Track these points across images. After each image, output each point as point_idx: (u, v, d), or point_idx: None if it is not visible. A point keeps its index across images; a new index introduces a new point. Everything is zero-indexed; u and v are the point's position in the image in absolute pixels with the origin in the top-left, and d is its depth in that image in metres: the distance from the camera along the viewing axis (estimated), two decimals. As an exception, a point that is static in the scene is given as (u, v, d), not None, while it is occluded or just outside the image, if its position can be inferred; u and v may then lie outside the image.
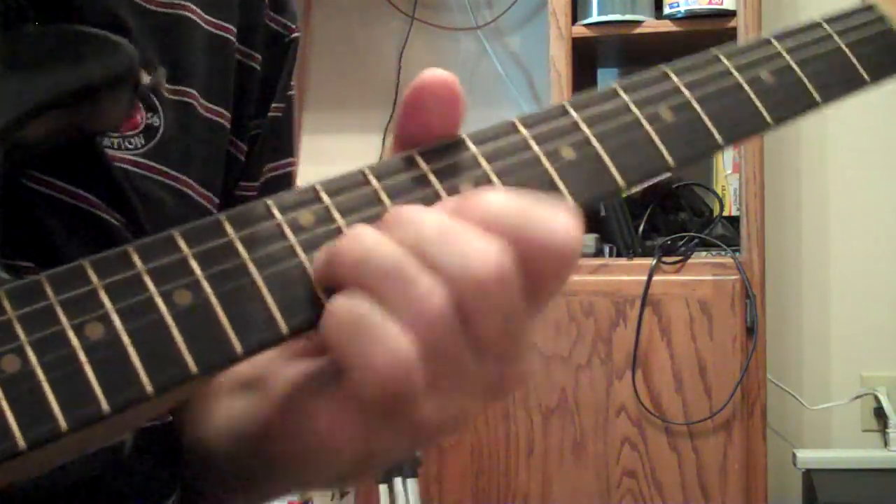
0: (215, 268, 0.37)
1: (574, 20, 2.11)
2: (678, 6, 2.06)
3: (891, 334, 2.36)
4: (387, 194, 0.40)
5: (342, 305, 0.36)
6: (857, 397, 2.36)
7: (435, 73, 0.40)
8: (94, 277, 0.36)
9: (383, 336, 0.35)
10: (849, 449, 2.33)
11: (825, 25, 0.49)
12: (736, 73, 0.46)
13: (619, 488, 2.04)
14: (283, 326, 0.37)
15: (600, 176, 0.42)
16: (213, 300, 0.36)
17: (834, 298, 2.41)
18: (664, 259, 2.02)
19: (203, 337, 0.36)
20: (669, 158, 0.44)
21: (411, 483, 1.96)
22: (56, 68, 0.45)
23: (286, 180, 0.67)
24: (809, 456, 2.24)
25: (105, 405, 0.34)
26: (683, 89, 0.45)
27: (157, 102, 0.54)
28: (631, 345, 2.01)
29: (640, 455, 2.04)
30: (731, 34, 2.04)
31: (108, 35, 0.47)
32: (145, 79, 0.48)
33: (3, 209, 0.47)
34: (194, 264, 0.37)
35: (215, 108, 0.59)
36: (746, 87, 0.46)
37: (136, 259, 0.36)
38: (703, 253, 2.05)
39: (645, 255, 2.05)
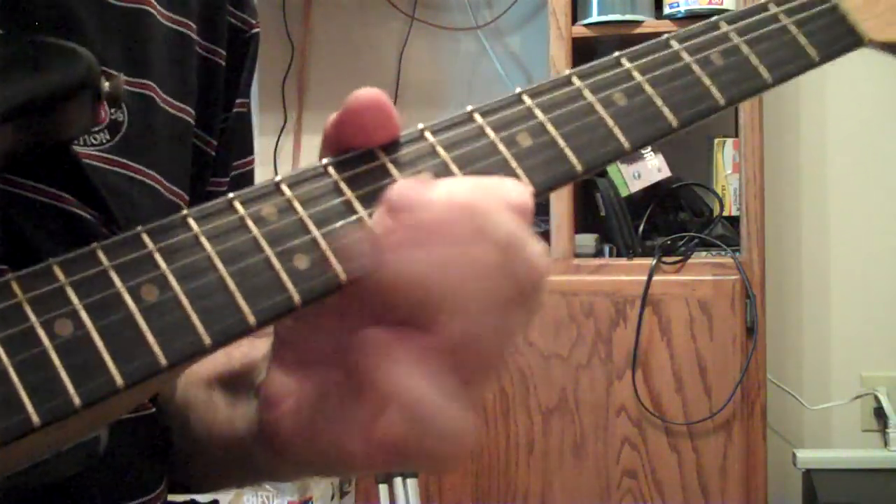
0: (179, 262, 0.38)
1: (574, 20, 2.11)
2: (678, 6, 2.06)
3: (891, 334, 2.36)
4: (347, 185, 0.41)
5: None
6: (857, 397, 2.36)
7: (365, 92, 0.41)
8: (61, 276, 0.36)
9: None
10: (849, 449, 2.33)
11: (772, 7, 0.50)
12: (686, 56, 0.47)
13: (619, 488, 2.04)
14: (251, 318, 0.37)
15: (558, 161, 0.43)
16: (181, 296, 0.37)
17: (834, 298, 2.41)
18: (664, 259, 2.02)
19: (170, 329, 0.36)
20: (624, 141, 0.44)
21: (411, 483, 1.96)
22: (14, 79, 0.45)
23: (250, 177, 0.68)
24: (809, 456, 2.24)
25: (77, 399, 0.34)
26: (636, 73, 0.46)
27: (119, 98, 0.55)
28: (631, 345, 2.02)
29: (640, 455, 2.04)
30: (731, 34, 2.04)
31: (65, 44, 0.47)
32: (105, 85, 0.48)
33: None
34: (159, 259, 0.37)
35: (176, 103, 0.59)
36: (697, 68, 0.47)
37: (101, 256, 0.37)
38: (703, 253, 2.05)
39: (645, 255, 2.05)
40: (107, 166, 0.54)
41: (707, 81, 0.47)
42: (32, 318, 0.35)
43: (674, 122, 0.45)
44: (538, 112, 0.44)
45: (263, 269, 0.38)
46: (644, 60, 0.47)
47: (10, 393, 0.34)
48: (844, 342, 2.40)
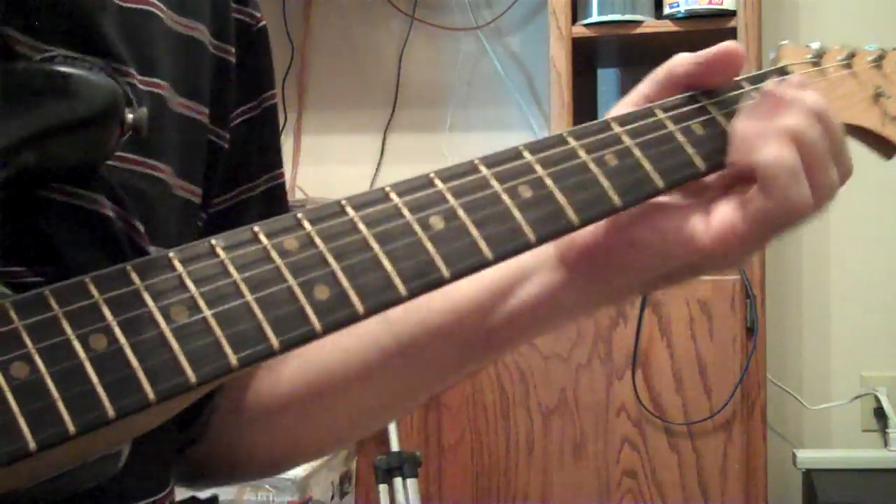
0: (208, 286, 0.39)
1: (574, 20, 2.11)
2: (678, 6, 2.06)
3: (891, 334, 2.36)
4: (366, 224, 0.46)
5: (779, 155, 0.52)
6: (857, 397, 2.36)
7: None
8: (94, 292, 0.38)
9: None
10: (849, 449, 2.33)
11: (745, 84, 0.60)
12: (671, 125, 0.55)
13: (619, 488, 2.04)
14: (276, 344, 0.39)
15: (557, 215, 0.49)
16: (211, 319, 0.39)
17: (834, 298, 2.41)
18: (664, 259, 2.02)
19: (200, 351, 0.38)
20: (617, 199, 0.50)
21: (411, 483, 1.96)
22: (41, 105, 0.47)
23: (282, 192, 0.68)
24: (809, 456, 2.24)
25: (111, 412, 0.35)
26: (626, 138, 0.52)
27: (132, 95, 0.55)
28: (631, 345, 2.02)
29: (640, 455, 2.04)
30: (731, 34, 2.04)
31: (92, 75, 0.49)
32: (129, 116, 0.50)
33: (3, 216, 0.47)
34: (189, 284, 0.39)
35: (189, 102, 0.60)
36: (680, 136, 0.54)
37: (134, 277, 0.39)
38: (703, 253, 2.05)
39: (645, 255, 2.05)
40: (118, 163, 0.54)
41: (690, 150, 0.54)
42: (69, 331, 0.36)
43: (661, 186, 0.53)
44: (538, 167, 0.50)
45: (286, 298, 0.40)
46: (631, 127, 0.54)
47: (48, 405, 0.34)
48: (844, 342, 2.40)
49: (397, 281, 0.42)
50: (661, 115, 0.53)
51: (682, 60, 0.59)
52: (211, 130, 0.62)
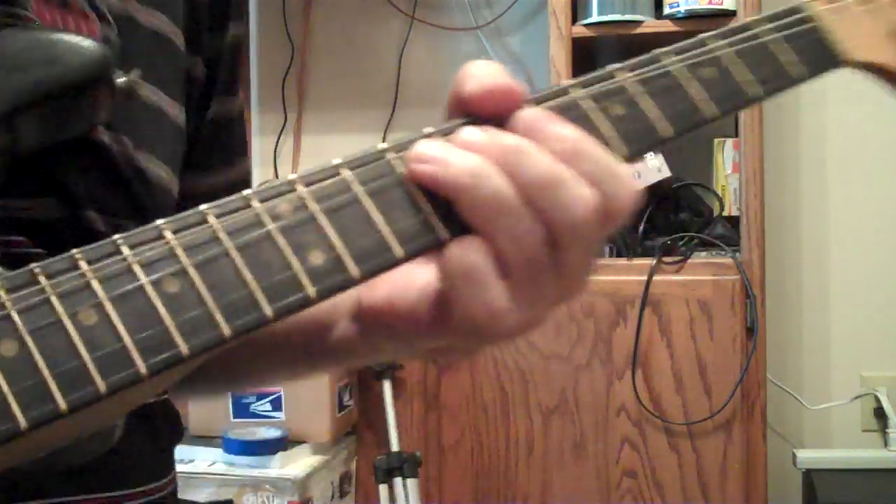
0: (199, 256, 0.39)
1: (574, 20, 2.11)
2: (678, 6, 2.06)
3: (891, 334, 2.36)
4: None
5: (457, 253, 0.41)
6: (857, 397, 2.36)
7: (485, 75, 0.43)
8: (85, 267, 0.37)
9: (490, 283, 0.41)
10: (849, 449, 2.33)
11: (757, 27, 0.51)
12: (679, 70, 0.48)
13: (619, 488, 2.04)
14: (269, 312, 0.38)
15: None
16: (200, 285, 0.38)
17: (834, 298, 2.41)
18: (664, 259, 2.02)
19: (191, 321, 0.37)
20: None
21: (411, 483, 1.96)
22: (30, 71, 0.47)
23: (241, 119, 0.69)
24: (809, 456, 2.24)
25: (103, 387, 0.35)
26: (631, 87, 0.47)
27: (107, 14, 0.56)
28: (631, 345, 2.02)
29: (640, 455, 2.04)
30: (731, 34, 2.04)
31: (81, 39, 0.49)
32: (121, 78, 0.49)
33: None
34: (180, 254, 0.38)
35: (162, 16, 0.60)
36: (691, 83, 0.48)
37: (125, 251, 0.38)
38: (703, 253, 2.05)
39: (645, 255, 2.05)
40: None
41: (702, 96, 0.48)
42: (60, 309, 0.36)
43: (669, 132, 0.47)
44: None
45: (280, 264, 0.39)
46: (637, 71, 0.48)
47: (39, 381, 0.35)
48: (844, 342, 2.40)
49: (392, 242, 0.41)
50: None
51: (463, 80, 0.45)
52: (187, 58, 0.62)
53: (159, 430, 0.59)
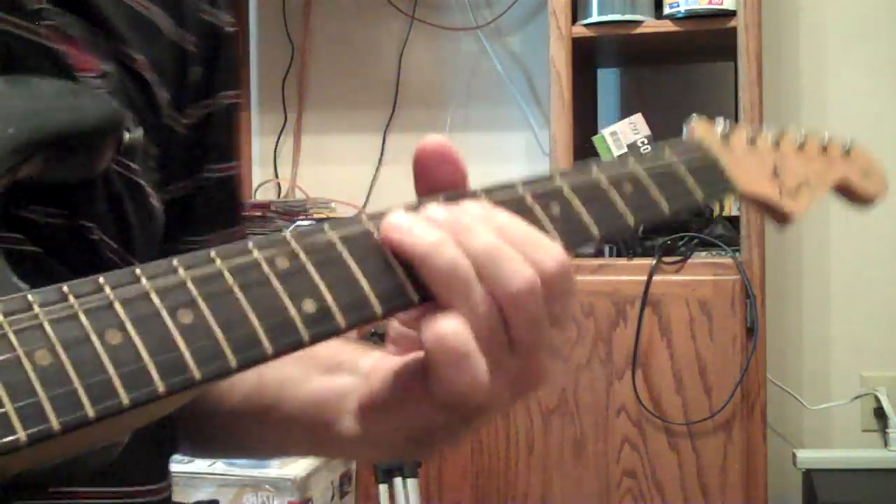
0: (207, 290, 0.42)
1: (574, 20, 2.11)
2: (678, 6, 2.06)
3: (891, 334, 2.36)
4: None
5: (430, 322, 0.45)
6: (857, 397, 2.36)
7: (429, 140, 0.50)
8: (108, 291, 0.40)
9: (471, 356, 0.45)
10: (849, 449, 2.33)
11: (667, 154, 0.59)
12: (605, 183, 0.55)
13: (619, 488, 2.04)
14: (270, 350, 0.42)
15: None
16: (211, 320, 0.42)
17: (834, 298, 2.42)
18: (664, 259, 2.02)
19: (202, 351, 0.41)
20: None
21: (411, 483, 1.96)
22: (53, 116, 0.51)
23: (235, 182, 0.72)
24: (809, 456, 2.24)
25: (126, 400, 0.38)
26: (566, 189, 0.54)
27: (104, 54, 0.58)
28: (631, 345, 2.02)
29: (640, 455, 2.04)
30: (731, 34, 2.04)
31: (101, 93, 0.53)
32: (126, 136, 0.53)
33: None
34: (191, 287, 0.42)
35: (149, 69, 0.61)
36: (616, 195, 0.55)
37: (144, 281, 0.42)
38: (703, 253, 2.05)
39: (645, 255, 2.05)
40: None
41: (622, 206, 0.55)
42: (88, 326, 0.39)
43: (596, 233, 0.54)
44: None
45: (279, 307, 0.43)
46: (571, 178, 0.54)
47: (70, 388, 0.37)
48: (844, 342, 2.40)
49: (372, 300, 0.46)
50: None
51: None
52: (168, 113, 0.64)
53: (155, 435, 0.60)
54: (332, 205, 2.48)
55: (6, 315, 0.38)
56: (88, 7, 0.57)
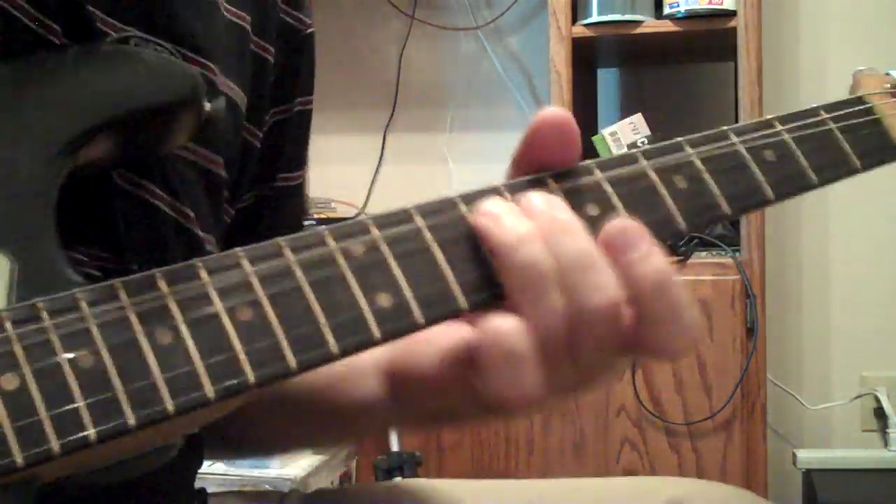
0: (275, 287, 0.40)
1: (574, 20, 2.11)
2: (678, 6, 2.06)
3: (891, 334, 2.36)
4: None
5: (493, 327, 0.42)
6: (857, 397, 2.36)
7: (552, 111, 0.46)
8: (164, 287, 0.38)
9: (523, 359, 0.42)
10: (849, 449, 2.33)
11: (822, 113, 0.54)
12: (744, 151, 0.50)
13: (619, 488, 2.04)
14: (336, 349, 0.40)
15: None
16: (273, 320, 0.39)
17: (834, 298, 2.41)
18: (664, 259, 2.02)
19: (262, 349, 0.38)
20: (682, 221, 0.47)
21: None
22: (118, 90, 0.47)
23: (295, 190, 0.70)
24: (809, 456, 2.24)
25: (171, 406, 0.36)
26: (698, 162, 0.49)
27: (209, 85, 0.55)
28: (631, 345, 2.01)
29: (640, 455, 2.04)
30: (732, 34, 2.04)
31: (177, 62, 0.49)
32: (207, 106, 0.49)
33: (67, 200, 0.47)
34: (255, 282, 0.39)
35: (233, 86, 0.59)
36: (753, 164, 0.50)
37: (203, 274, 0.39)
38: (703, 253, 2.05)
39: (645, 255, 2.05)
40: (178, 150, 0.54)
41: (760, 177, 0.50)
42: (138, 328, 0.37)
43: (728, 211, 0.49)
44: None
45: (349, 303, 0.40)
46: (706, 148, 0.49)
47: (110, 398, 0.36)
48: (844, 342, 2.40)
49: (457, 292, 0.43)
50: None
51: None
52: (246, 128, 0.62)
53: (185, 456, 0.59)
54: (332, 205, 2.48)
55: (52, 315, 0.36)
56: (175, 30, 0.54)
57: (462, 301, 0.42)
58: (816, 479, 2.16)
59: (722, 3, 2.04)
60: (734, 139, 0.50)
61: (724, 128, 0.51)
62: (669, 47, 2.27)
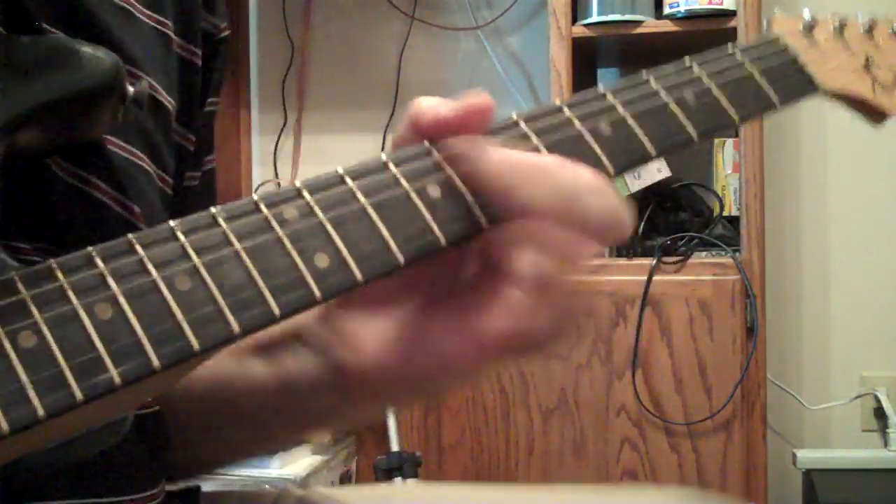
0: (207, 257, 0.40)
1: (574, 20, 2.11)
2: (678, 6, 2.06)
3: (891, 334, 2.36)
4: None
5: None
6: (857, 397, 2.36)
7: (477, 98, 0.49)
8: (100, 263, 0.39)
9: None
10: (849, 449, 2.33)
11: (738, 54, 0.55)
12: (664, 94, 0.52)
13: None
14: (276, 310, 0.40)
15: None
16: (213, 287, 0.40)
17: (834, 298, 2.41)
18: (664, 259, 2.02)
19: (202, 318, 0.39)
20: (609, 165, 0.50)
21: (411, 483, 1.96)
22: (44, 78, 0.47)
23: (214, 174, 0.72)
24: (809, 456, 2.24)
25: (117, 378, 0.37)
26: (620, 108, 0.51)
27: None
28: (631, 345, 2.02)
29: (640, 455, 2.04)
30: (732, 34, 2.04)
31: (92, 47, 0.49)
32: (129, 89, 0.50)
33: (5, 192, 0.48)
34: (192, 253, 0.40)
35: (163, 92, 0.60)
36: (674, 106, 0.52)
37: (138, 248, 0.40)
38: (703, 253, 2.05)
39: (645, 255, 2.05)
40: (112, 148, 0.55)
41: (683, 118, 0.52)
42: (75, 301, 0.37)
43: (652, 152, 0.50)
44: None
45: (287, 266, 0.41)
46: (624, 93, 0.52)
47: (56, 369, 0.36)
48: (844, 342, 2.40)
49: (393, 248, 0.43)
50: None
51: (428, 108, 0.55)
52: (176, 130, 0.63)
53: (150, 438, 0.59)
54: (332, 205, 2.48)
55: None
56: (95, 28, 0.55)
57: (399, 257, 0.43)
58: (816, 479, 2.16)
59: (722, 3, 2.04)
60: (654, 84, 0.52)
61: (643, 72, 0.53)
62: (669, 47, 2.27)
